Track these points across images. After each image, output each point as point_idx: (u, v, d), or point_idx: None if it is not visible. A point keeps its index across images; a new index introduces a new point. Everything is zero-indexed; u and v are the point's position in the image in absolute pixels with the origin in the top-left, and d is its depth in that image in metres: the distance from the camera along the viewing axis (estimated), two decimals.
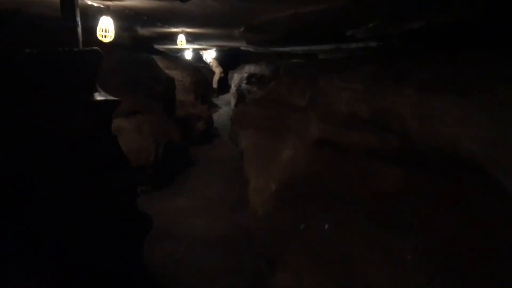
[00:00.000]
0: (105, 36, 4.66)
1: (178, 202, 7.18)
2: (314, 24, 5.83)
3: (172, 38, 8.57)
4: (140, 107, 7.79)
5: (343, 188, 3.48)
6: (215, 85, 23.19)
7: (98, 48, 3.30)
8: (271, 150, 6.41)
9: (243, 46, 13.29)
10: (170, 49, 16.87)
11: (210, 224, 6.39)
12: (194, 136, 11.41)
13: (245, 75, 15.19)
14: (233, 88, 16.51)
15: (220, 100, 22.47)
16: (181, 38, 8.02)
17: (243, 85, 14.42)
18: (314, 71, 7.20)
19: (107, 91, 3.49)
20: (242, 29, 7.21)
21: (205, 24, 6.97)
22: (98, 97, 3.25)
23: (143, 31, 8.35)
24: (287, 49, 12.85)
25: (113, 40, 4.83)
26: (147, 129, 7.54)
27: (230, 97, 22.03)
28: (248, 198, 5.76)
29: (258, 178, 6.13)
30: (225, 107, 20.05)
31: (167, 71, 11.02)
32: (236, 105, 15.41)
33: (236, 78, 16.47)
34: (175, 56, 15.05)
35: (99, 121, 3.19)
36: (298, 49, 12.33)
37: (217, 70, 23.92)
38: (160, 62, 11.17)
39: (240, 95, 14.68)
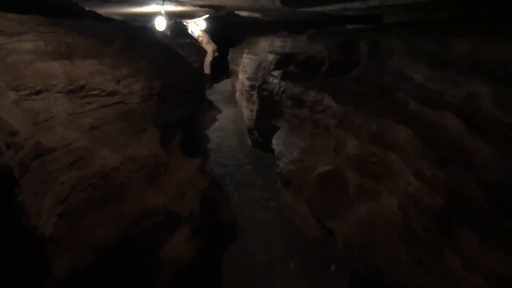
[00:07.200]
0: None
1: None
2: None
3: None
4: None
5: None
6: (206, 69, 15.53)
7: None
8: None
9: (255, 7, 5.83)
10: (133, 15, 9.63)
11: None
12: None
13: (270, 57, 7.76)
14: (244, 82, 8.97)
15: (215, 93, 14.82)
16: None
17: (274, 80, 7.01)
18: None
19: None
20: None
21: None
22: None
23: None
24: (337, 6, 5.64)
25: None
26: None
27: (229, 87, 14.24)
28: None
29: None
30: (226, 108, 12.34)
31: None
32: (258, 118, 7.79)
33: (249, 63, 9.01)
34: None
35: None
36: (354, 6, 5.20)
37: (209, 48, 16.18)
38: None
39: (268, 100, 7.29)
